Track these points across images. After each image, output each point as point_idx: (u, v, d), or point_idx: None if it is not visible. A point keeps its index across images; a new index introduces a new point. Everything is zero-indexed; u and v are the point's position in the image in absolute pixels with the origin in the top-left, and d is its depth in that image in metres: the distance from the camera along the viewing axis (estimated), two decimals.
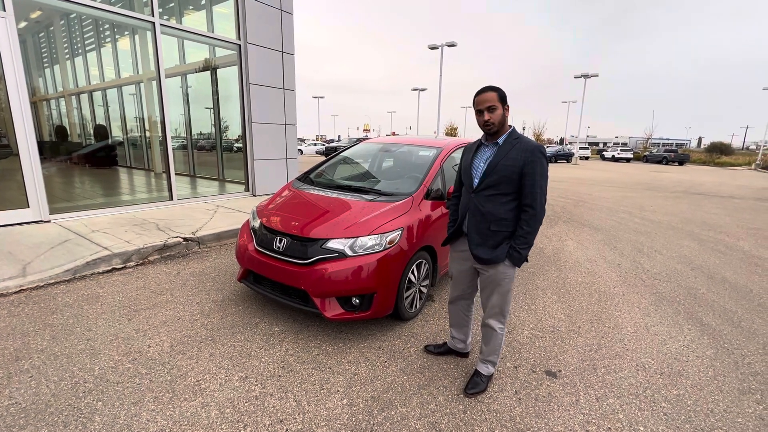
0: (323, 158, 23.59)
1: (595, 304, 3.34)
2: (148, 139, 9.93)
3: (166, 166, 5.86)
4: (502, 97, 1.92)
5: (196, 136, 9.95)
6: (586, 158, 39.12)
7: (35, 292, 3.11)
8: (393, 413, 1.95)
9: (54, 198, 4.88)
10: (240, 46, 6.54)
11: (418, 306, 2.96)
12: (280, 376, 2.21)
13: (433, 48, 22.98)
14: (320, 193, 3.21)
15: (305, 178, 3.65)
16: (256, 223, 2.99)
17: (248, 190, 7.10)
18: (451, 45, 22.35)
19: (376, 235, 2.56)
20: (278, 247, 2.66)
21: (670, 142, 78.50)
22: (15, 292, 3.07)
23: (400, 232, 2.63)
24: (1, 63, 4.22)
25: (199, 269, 3.79)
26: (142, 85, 9.12)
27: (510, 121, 2.01)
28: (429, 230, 2.88)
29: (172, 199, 5.90)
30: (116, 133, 9.90)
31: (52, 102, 8.86)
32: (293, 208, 3.05)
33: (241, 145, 8.28)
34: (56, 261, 3.48)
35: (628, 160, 35.90)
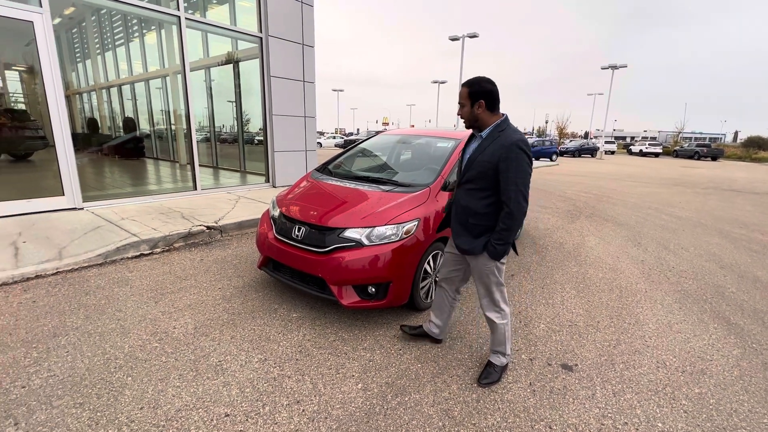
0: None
1: (615, 300, 3.27)
2: (173, 132, 10.26)
3: (191, 158, 6.04)
4: (474, 93, 1.88)
5: (218, 129, 10.20)
6: (612, 153, 37.81)
7: (70, 275, 3.29)
8: (407, 399, 1.98)
9: (86, 187, 5.12)
10: (261, 39, 6.63)
11: (433, 296, 2.97)
12: (297, 359, 2.28)
13: (454, 39, 22.60)
14: (338, 183, 3.25)
15: (324, 168, 3.70)
16: (276, 212, 3.07)
17: (268, 181, 7.24)
18: (473, 36, 21.92)
19: (393, 225, 2.58)
20: (297, 236, 2.72)
21: (703, 136, 74.79)
22: (52, 274, 3.26)
23: (416, 222, 2.64)
24: (38, 58, 4.43)
25: (221, 256, 3.92)
26: (167, 78, 9.40)
27: (514, 114, 2.02)
28: None
29: (196, 189, 6.09)
30: (143, 125, 10.26)
31: (84, 95, 9.24)
32: (312, 198, 3.11)
33: (261, 138, 8.45)
34: (89, 246, 3.67)
35: (656, 155, 34.53)
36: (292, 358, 2.29)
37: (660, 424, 1.88)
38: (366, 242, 2.54)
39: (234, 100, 8.59)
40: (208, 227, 4.41)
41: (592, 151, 31.07)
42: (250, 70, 8.09)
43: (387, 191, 2.94)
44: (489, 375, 2.14)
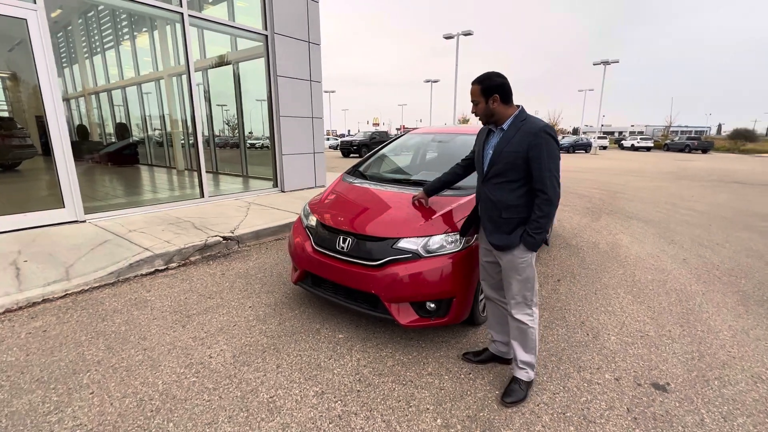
0: (339, 154, 23.02)
1: (676, 305, 3.06)
2: (169, 136, 9.86)
3: (197, 164, 5.70)
4: (487, 89, 1.84)
5: (219, 132, 9.84)
6: (604, 148, 38.16)
7: (81, 297, 2.96)
8: None
9: (86, 197, 4.76)
10: (267, 36, 6.31)
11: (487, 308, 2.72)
12: (359, 391, 2.00)
13: (448, 38, 22.44)
14: (378, 188, 2.98)
15: (355, 171, 3.43)
16: (312, 221, 2.78)
17: (277, 186, 6.91)
18: (467, 34, 21.79)
19: (452, 233, 2.32)
20: (342, 248, 2.44)
21: (689, 129, 76.14)
22: (60, 297, 2.93)
23: None
24: (33, 60, 4.07)
25: (243, 270, 3.61)
26: (161, 81, 9.02)
27: (523, 104, 1.87)
28: None
29: (203, 196, 5.74)
30: (136, 131, 9.85)
31: (76, 100, 8.81)
32: (353, 205, 2.83)
33: (265, 141, 8.11)
34: (98, 263, 3.34)
35: (648, 149, 34.91)
36: (353, 390, 2.01)
37: None
38: (423, 253, 2.28)
39: (236, 101, 8.24)
40: (225, 238, 4.10)
41: (586, 147, 31.26)
42: (251, 70, 7.76)
43: (437, 195, 2.67)
44: (513, 392, 1.94)
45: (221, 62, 8.21)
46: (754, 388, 2.08)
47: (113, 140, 9.28)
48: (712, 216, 6.40)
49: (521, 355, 1.98)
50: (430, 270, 2.23)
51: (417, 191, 2.77)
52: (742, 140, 41.38)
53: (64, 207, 4.42)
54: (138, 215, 4.90)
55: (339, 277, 2.44)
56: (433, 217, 2.42)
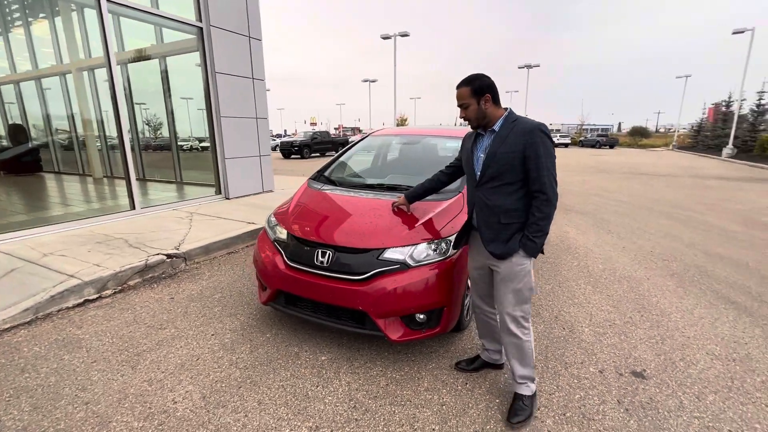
0: (279, 155, 21.92)
1: (629, 291, 3.32)
2: (81, 139, 8.62)
3: (124, 170, 4.98)
4: (477, 90, 1.77)
5: (145, 135, 8.81)
6: None
7: None
8: None
9: None
10: (202, 29, 5.72)
11: (470, 313, 2.70)
12: (357, 420, 1.83)
13: (385, 38, 22.62)
14: (352, 194, 2.80)
15: (320, 177, 3.20)
16: (282, 234, 2.53)
17: (220, 193, 6.33)
18: (404, 35, 22.16)
19: (440, 240, 2.24)
20: (321, 262, 2.24)
21: (596, 127, 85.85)
22: None
23: None
24: None
25: (196, 291, 3.20)
26: (68, 76, 7.83)
27: (506, 104, 1.83)
28: None
29: (134, 208, 5.04)
30: (36, 133, 8.48)
31: None
32: (328, 214, 2.62)
33: (203, 144, 7.37)
34: (7, 299, 2.72)
35: (566, 145, 38.55)
36: (351, 419, 1.83)
37: (757, 425, 1.83)
38: (411, 263, 2.16)
39: (164, 100, 7.40)
40: (169, 255, 3.61)
41: None
42: (182, 65, 7.03)
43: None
44: (520, 411, 1.82)
45: (142, 56, 7.33)
46: (713, 365, 2.30)
47: (6, 144, 7.85)
48: (634, 206, 7.19)
49: (519, 369, 1.89)
50: (421, 280, 2.13)
51: (393, 197, 2.65)
52: (639, 136, 47.74)
53: None
54: (52, 235, 4.14)
55: (319, 295, 2.24)
56: (417, 224, 2.32)
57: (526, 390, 1.90)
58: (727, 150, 21.49)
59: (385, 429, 1.78)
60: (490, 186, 1.82)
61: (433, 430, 1.78)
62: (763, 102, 23.61)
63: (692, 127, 37.10)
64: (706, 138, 28.98)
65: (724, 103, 29.15)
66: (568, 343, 2.50)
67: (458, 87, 1.82)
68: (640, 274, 3.74)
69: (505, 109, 1.83)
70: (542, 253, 1.82)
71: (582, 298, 3.17)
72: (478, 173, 1.85)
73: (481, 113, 1.80)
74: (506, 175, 1.76)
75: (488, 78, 1.80)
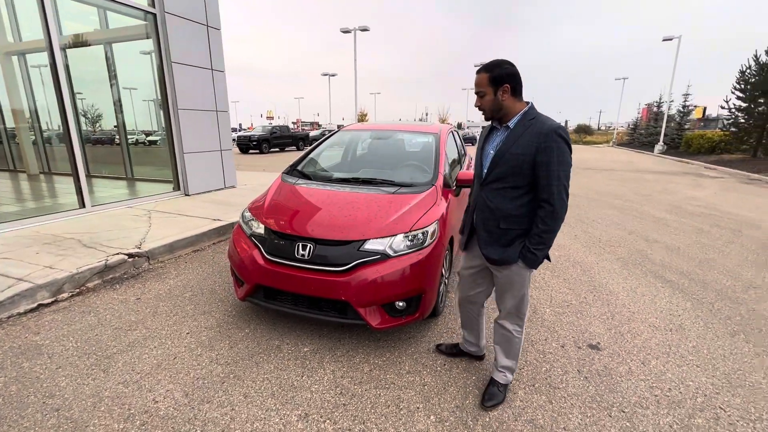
0: (237, 151, 21.02)
1: (582, 275, 3.65)
2: (10, 132, 7.83)
3: (72, 165, 4.61)
4: (496, 78, 1.61)
5: (87, 127, 8.13)
6: None
7: None
8: (488, 420, 1.83)
9: None
10: (155, 15, 5.39)
11: (444, 299, 2.85)
12: (344, 404, 1.90)
13: (345, 32, 22.42)
14: (328, 188, 2.83)
15: (294, 171, 3.20)
16: (259, 229, 2.51)
17: (179, 189, 6.03)
18: (364, 29, 22.09)
19: (417, 231, 2.34)
20: (302, 255, 2.26)
21: None
22: None
23: (436, 224, 2.45)
24: None
25: (164, 290, 3.08)
26: None
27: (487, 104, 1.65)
28: (453, 219, 2.77)
29: (84, 206, 4.68)
30: None
31: None
32: (305, 208, 2.63)
33: (150, 139, 6.95)
34: None
35: None
36: (338, 405, 1.90)
37: (691, 383, 2.12)
38: (391, 253, 2.25)
39: (111, 89, 6.88)
40: (131, 255, 3.42)
41: (472, 141, 34.78)
42: (132, 53, 6.58)
43: (393, 193, 2.67)
44: (494, 396, 1.91)
45: (81, 41, 6.76)
46: (654, 335, 2.62)
47: None
48: (583, 197, 7.79)
49: (502, 360, 1.95)
50: (401, 269, 2.22)
51: (368, 190, 2.73)
52: (584, 133, 51.28)
53: None
54: None
55: (301, 288, 2.27)
56: (395, 216, 2.41)
57: (502, 379, 1.97)
58: (659, 146, 23.71)
59: (372, 411, 1.86)
60: (494, 187, 1.71)
61: (418, 408, 1.89)
62: (687, 103, 26.26)
63: (629, 125, 40.40)
64: (641, 135, 31.68)
65: (655, 104, 32.01)
66: (533, 323, 2.72)
67: (477, 72, 1.66)
68: (591, 259, 4.11)
69: (527, 103, 1.68)
70: (548, 260, 1.75)
71: (542, 282, 3.45)
72: (485, 171, 1.75)
73: (497, 105, 1.65)
74: (513, 177, 1.64)
75: (512, 66, 1.63)
